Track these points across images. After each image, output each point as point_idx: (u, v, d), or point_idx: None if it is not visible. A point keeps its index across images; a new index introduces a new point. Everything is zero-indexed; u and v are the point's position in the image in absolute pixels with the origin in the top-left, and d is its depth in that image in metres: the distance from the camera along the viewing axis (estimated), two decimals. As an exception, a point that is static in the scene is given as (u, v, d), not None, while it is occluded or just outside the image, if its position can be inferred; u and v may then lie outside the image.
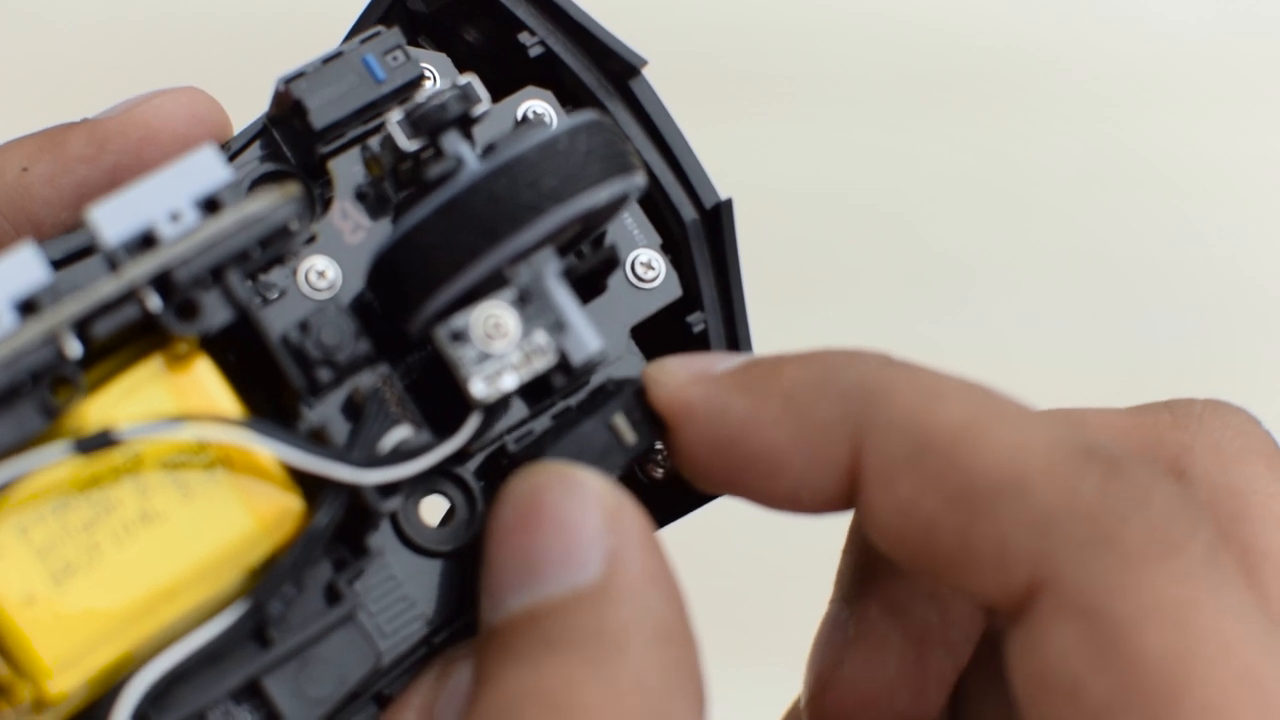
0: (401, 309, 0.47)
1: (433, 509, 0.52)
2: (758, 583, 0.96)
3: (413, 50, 0.51)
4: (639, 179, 0.48)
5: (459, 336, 0.46)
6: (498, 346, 0.46)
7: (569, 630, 0.45)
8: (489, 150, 0.48)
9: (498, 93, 0.53)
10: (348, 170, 0.51)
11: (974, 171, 1.02)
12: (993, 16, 1.05)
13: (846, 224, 0.86)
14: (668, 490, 0.54)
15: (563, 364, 0.48)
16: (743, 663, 0.92)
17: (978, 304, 1.01)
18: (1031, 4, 1.06)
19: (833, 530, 0.93)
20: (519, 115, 0.52)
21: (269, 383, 0.47)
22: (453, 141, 0.48)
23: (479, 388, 0.46)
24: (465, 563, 0.51)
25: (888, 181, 1.01)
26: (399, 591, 0.50)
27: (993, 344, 1.00)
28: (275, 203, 0.46)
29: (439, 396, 0.49)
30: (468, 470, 0.51)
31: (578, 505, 0.46)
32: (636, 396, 0.50)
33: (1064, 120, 1.04)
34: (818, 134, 0.99)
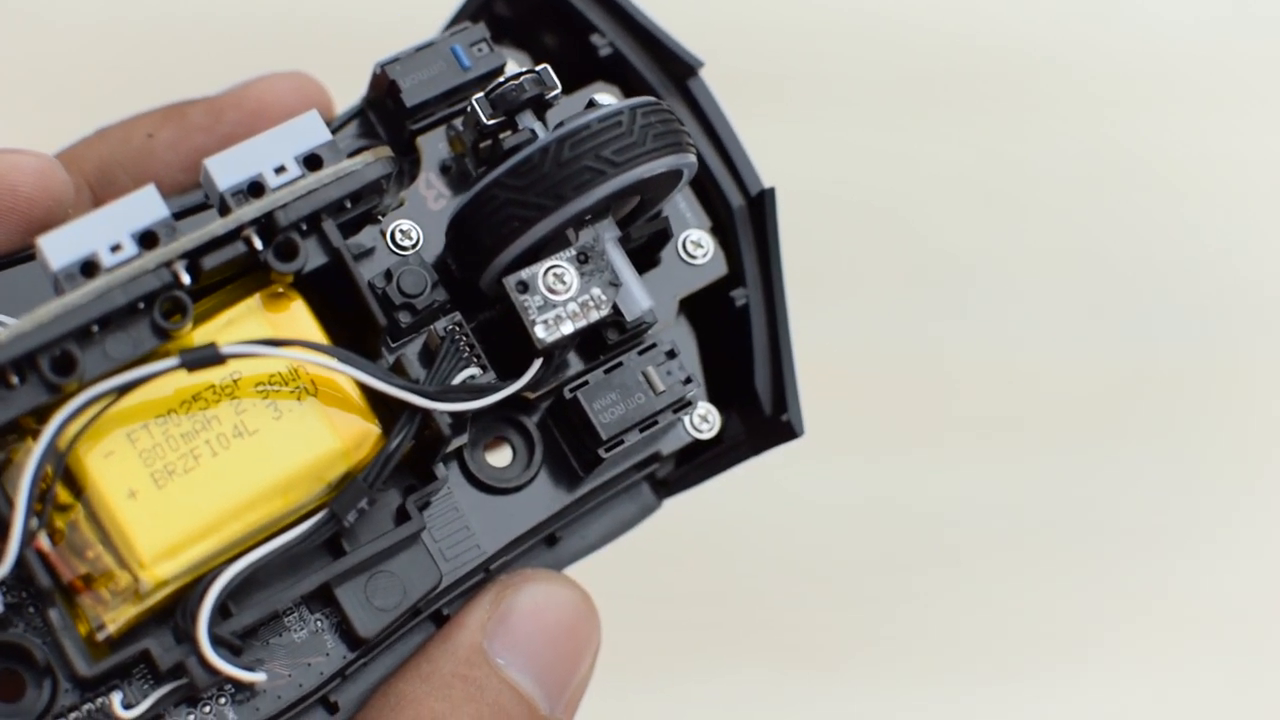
0: (475, 260, 0.53)
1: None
2: (757, 585, 0.98)
3: (496, 45, 0.57)
4: (691, 158, 0.53)
5: (525, 286, 0.52)
6: (559, 297, 0.52)
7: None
8: (559, 128, 0.53)
9: (570, 92, 0.59)
10: (434, 146, 0.57)
11: (974, 171, 1.03)
12: (993, 16, 1.06)
13: (846, 224, 0.88)
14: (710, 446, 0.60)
15: (616, 319, 0.54)
16: (743, 662, 0.96)
17: (978, 304, 1.02)
18: (1031, 4, 1.07)
19: (833, 531, 0.96)
20: (590, 102, 0.58)
21: (355, 326, 0.53)
22: (527, 119, 0.54)
23: (541, 331, 0.52)
24: (521, 502, 0.57)
25: (888, 181, 1.02)
26: (461, 522, 0.56)
27: (993, 344, 1.01)
28: (368, 161, 0.51)
29: (506, 349, 0.54)
30: (530, 420, 0.57)
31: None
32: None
33: (1064, 120, 1.04)
34: (818, 134, 1.01)
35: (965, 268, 1.02)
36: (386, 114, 0.57)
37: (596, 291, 0.53)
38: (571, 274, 0.52)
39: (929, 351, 1.01)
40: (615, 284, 0.53)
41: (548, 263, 0.52)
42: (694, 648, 0.95)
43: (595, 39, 0.60)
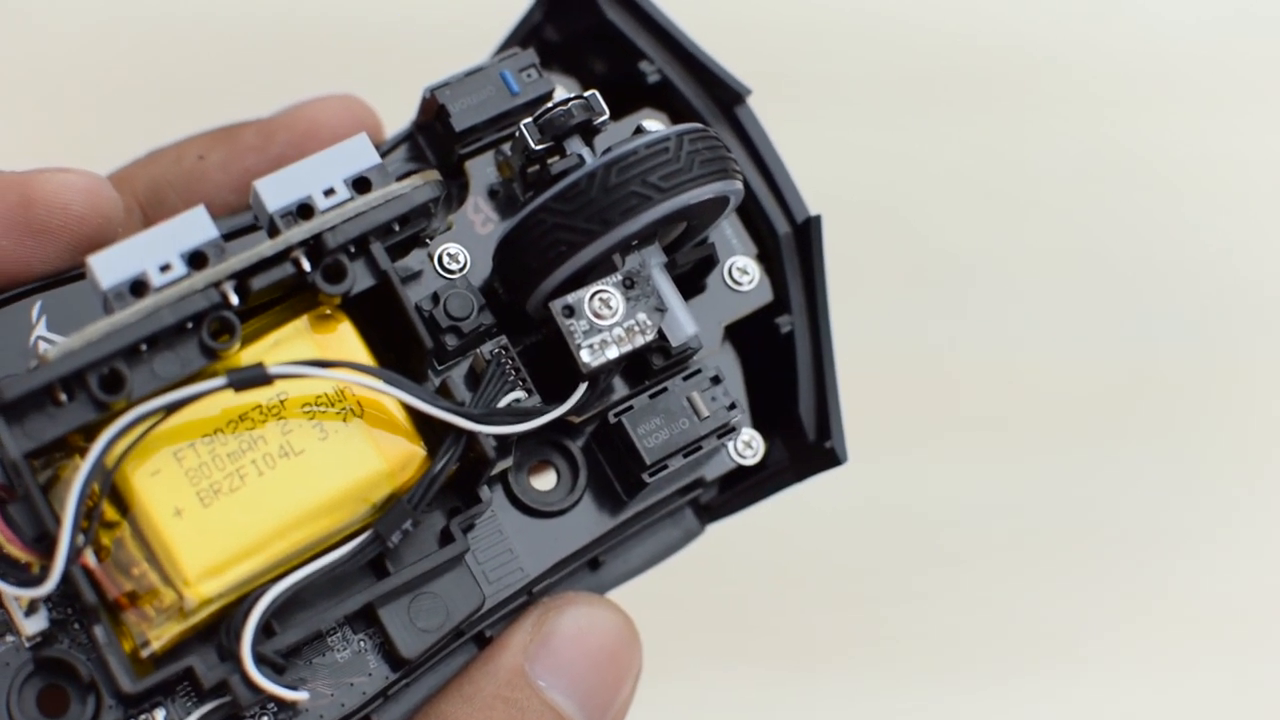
0: (521, 284, 0.53)
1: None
2: (757, 585, 0.98)
3: (545, 71, 0.57)
4: (737, 184, 0.54)
5: (571, 311, 0.52)
6: (604, 322, 0.52)
7: None
8: (607, 153, 0.53)
9: (618, 118, 0.59)
10: (482, 171, 0.58)
11: (974, 171, 1.03)
12: (993, 16, 1.05)
13: (846, 223, 0.87)
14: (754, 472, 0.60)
15: (661, 344, 0.54)
16: (742, 662, 0.96)
17: (978, 304, 1.02)
18: (1031, 4, 1.06)
19: (831, 535, 0.96)
20: (637, 128, 0.59)
21: (402, 348, 0.53)
22: (575, 144, 0.55)
23: (586, 356, 0.52)
24: (565, 525, 0.57)
25: (888, 181, 1.02)
26: (505, 544, 0.56)
27: (993, 344, 1.01)
28: (416, 184, 0.52)
29: (552, 373, 0.55)
30: (575, 444, 0.57)
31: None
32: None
33: (1064, 120, 1.04)
34: (818, 134, 1.01)
35: (965, 267, 1.02)
36: (435, 138, 0.58)
37: (642, 317, 0.53)
38: (617, 299, 0.52)
39: (929, 351, 1.01)
40: (661, 309, 0.53)
41: (594, 287, 0.52)
42: (693, 648, 0.95)
43: (644, 65, 0.60)
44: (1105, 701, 0.98)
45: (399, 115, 0.60)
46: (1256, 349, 1.03)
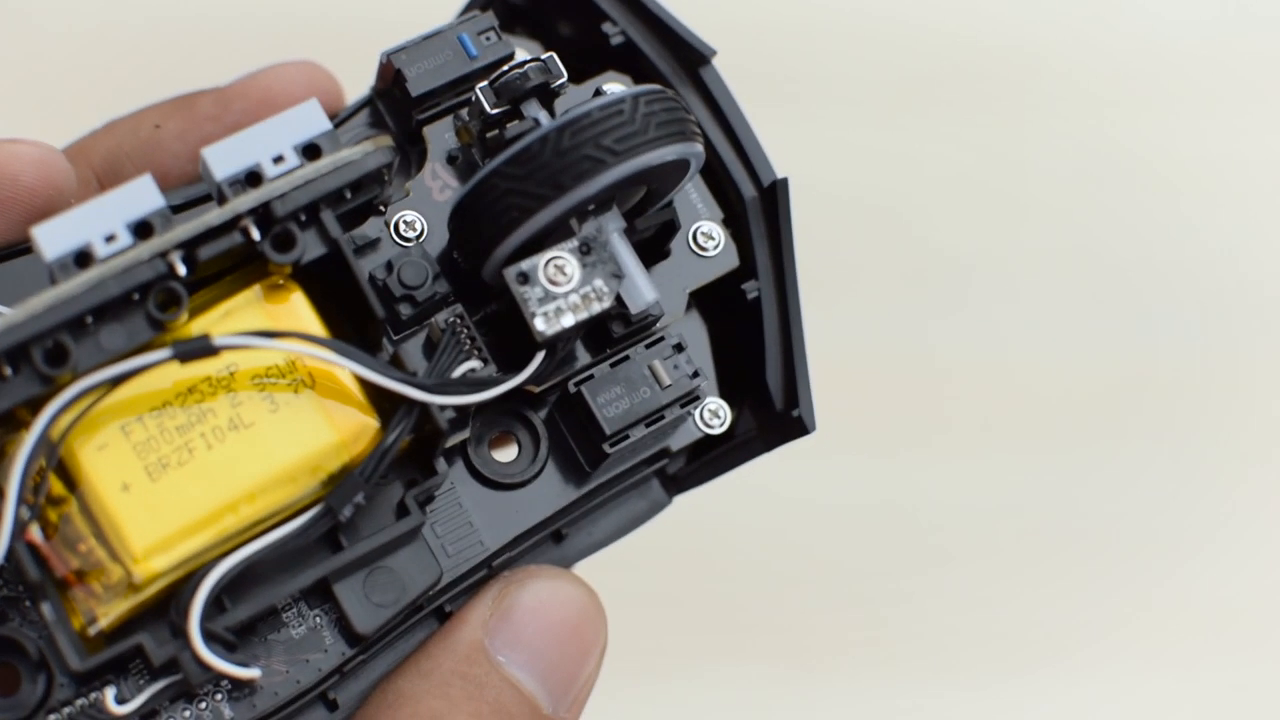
0: (476, 251, 0.52)
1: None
2: (756, 585, 0.97)
3: (506, 35, 0.56)
4: (697, 147, 0.52)
5: (526, 278, 0.51)
6: (559, 289, 0.51)
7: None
8: (562, 117, 0.52)
9: (582, 81, 0.58)
10: (440, 136, 0.56)
11: (974, 171, 1.02)
12: (992, 16, 1.05)
13: (846, 223, 0.87)
14: (721, 442, 0.59)
15: (621, 312, 0.53)
16: (741, 662, 0.95)
17: (977, 303, 1.01)
18: (1031, 4, 1.06)
19: (831, 536, 0.95)
20: (596, 91, 0.57)
21: (356, 318, 0.52)
22: (532, 108, 0.53)
23: (541, 324, 0.51)
24: (526, 497, 0.56)
25: (888, 181, 1.02)
26: (464, 518, 0.55)
27: (992, 344, 1.01)
28: (367, 151, 0.51)
29: (510, 342, 0.54)
30: (537, 415, 0.56)
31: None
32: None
33: (1064, 120, 1.04)
34: (818, 134, 1.01)
35: (964, 267, 1.02)
36: (394, 104, 0.57)
37: (599, 283, 0.51)
38: (573, 265, 0.51)
39: (929, 351, 1.00)
40: (618, 276, 0.52)
41: (548, 254, 0.51)
42: (691, 648, 0.95)
43: (607, 27, 0.59)
44: (1105, 702, 0.97)
45: (356, 85, 0.59)
46: (1256, 349, 1.03)
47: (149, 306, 0.49)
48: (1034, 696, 0.97)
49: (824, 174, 0.98)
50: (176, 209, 0.55)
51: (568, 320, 0.51)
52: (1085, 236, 1.03)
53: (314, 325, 0.51)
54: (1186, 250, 1.03)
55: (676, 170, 0.53)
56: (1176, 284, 1.03)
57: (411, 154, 0.57)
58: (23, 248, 0.54)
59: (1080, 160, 1.04)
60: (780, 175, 0.58)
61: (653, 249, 0.57)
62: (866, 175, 1.02)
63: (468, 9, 0.60)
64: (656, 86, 0.52)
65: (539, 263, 0.51)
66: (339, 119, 0.57)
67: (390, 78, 0.56)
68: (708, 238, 0.58)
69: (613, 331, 0.55)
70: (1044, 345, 1.02)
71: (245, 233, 0.50)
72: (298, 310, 0.52)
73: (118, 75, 0.96)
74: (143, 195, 0.49)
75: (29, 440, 0.47)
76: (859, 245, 1.00)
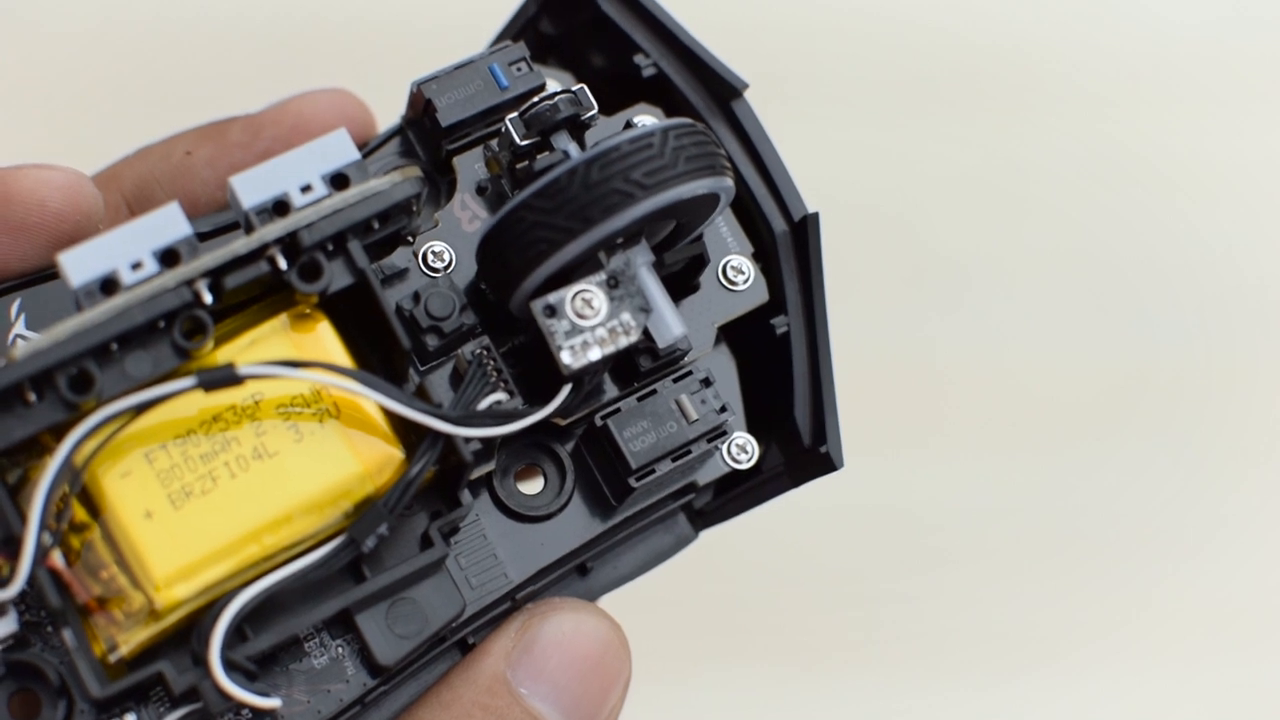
0: (504, 283, 0.52)
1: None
2: (755, 586, 0.98)
3: (537, 65, 0.56)
4: (726, 181, 0.52)
5: (553, 311, 0.51)
6: (586, 322, 0.51)
7: None
8: (591, 149, 0.52)
9: (614, 113, 0.58)
10: (470, 167, 0.56)
11: (974, 171, 1.02)
12: (993, 16, 1.05)
13: (846, 223, 0.86)
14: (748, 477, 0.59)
15: (648, 346, 0.53)
16: (738, 663, 0.95)
17: (977, 304, 1.01)
18: (1031, 4, 1.06)
19: (831, 536, 0.95)
20: (627, 123, 0.57)
21: (383, 351, 0.52)
22: (562, 140, 0.53)
23: (567, 357, 0.51)
24: (551, 530, 0.56)
25: (887, 181, 1.02)
26: (489, 550, 0.55)
27: (992, 344, 1.01)
28: (395, 181, 0.51)
29: (537, 376, 0.53)
30: (563, 448, 0.56)
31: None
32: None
33: (1064, 120, 1.04)
34: (818, 134, 1.01)
35: (963, 267, 1.02)
36: (424, 133, 0.57)
37: (626, 317, 0.51)
38: (600, 298, 0.51)
39: (929, 351, 1.00)
40: (646, 310, 0.51)
41: (576, 287, 0.51)
42: (690, 648, 0.95)
43: (639, 59, 0.59)
44: (1104, 702, 0.97)
45: (399, 110, 0.59)
46: (1256, 349, 1.03)
47: (174, 334, 0.49)
48: (1033, 697, 0.97)
49: (824, 174, 0.96)
50: (205, 236, 0.55)
51: (594, 354, 0.51)
52: (1085, 236, 1.03)
53: (340, 355, 0.51)
54: (1186, 250, 1.03)
55: (706, 204, 0.53)
56: (1176, 284, 1.03)
57: (441, 184, 0.57)
58: (50, 272, 0.54)
59: (1080, 160, 1.04)
60: (811, 210, 0.58)
61: (682, 282, 0.57)
62: (866, 175, 1.02)
63: (499, 38, 0.60)
64: (687, 120, 0.52)
65: (566, 296, 0.51)
66: (369, 147, 0.57)
67: (421, 107, 0.55)
68: (737, 271, 0.58)
69: (640, 365, 0.54)
70: (1044, 345, 1.02)
71: (272, 262, 0.50)
72: (324, 340, 0.51)
73: (118, 75, 0.96)
74: (170, 223, 0.49)
75: (52, 466, 0.47)
76: (859, 245, 0.99)
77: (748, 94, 0.59)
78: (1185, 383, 1.01)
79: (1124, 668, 0.97)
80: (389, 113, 0.59)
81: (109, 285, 0.48)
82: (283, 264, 0.50)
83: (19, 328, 0.54)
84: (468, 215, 0.56)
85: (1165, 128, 1.04)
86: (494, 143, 0.56)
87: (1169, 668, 0.98)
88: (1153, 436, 1.00)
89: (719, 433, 0.55)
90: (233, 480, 0.50)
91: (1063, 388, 1.00)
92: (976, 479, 0.99)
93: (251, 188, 0.50)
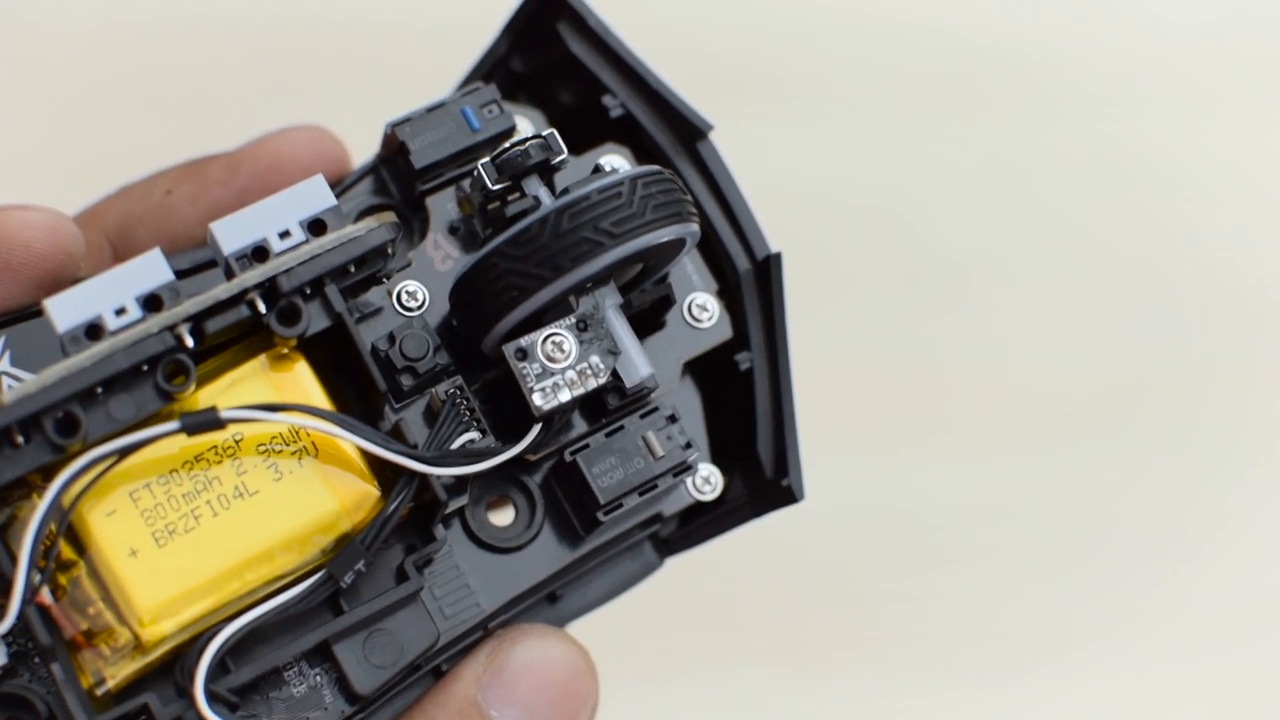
0: (476, 326, 0.53)
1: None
2: (754, 586, 0.98)
3: (508, 105, 0.57)
4: (692, 227, 0.54)
5: (524, 354, 0.53)
6: (557, 365, 0.53)
7: None
8: (564, 194, 0.54)
9: (586, 150, 0.59)
10: (442, 207, 0.58)
11: (974, 171, 1.03)
12: (993, 16, 1.05)
13: (845, 223, 0.87)
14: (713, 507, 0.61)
15: (616, 385, 0.54)
16: (739, 663, 0.96)
17: (977, 304, 1.02)
18: (1031, 4, 1.06)
19: (830, 536, 0.96)
20: (595, 167, 0.59)
21: (359, 387, 0.54)
22: (532, 184, 0.55)
23: (539, 399, 0.53)
24: (522, 560, 0.57)
25: (887, 181, 1.02)
26: (461, 580, 0.57)
27: (991, 344, 1.01)
28: (371, 227, 0.52)
29: (508, 411, 0.55)
30: (533, 480, 0.58)
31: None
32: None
33: (1064, 120, 1.04)
34: (818, 134, 1.01)
35: (964, 267, 1.02)
36: (398, 172, 0.58)
37: (595, 360, 0.53)
38: (570, 342, 0.53)
39: (929, 351, 1.01)
40: (614, 352, 0.53)
41: (547, 330, 0.53)
42: (689, 648, 0.96)
43: (607, 100, 0.60)
44: (1104, 702, 0.98)
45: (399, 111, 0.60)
46: (1256, 349, 1.03)
47: (157, 378, 0.50)
48: (1033, 697, 0.98)
49: (824, 174, 0.99)
50: (185, 273, 0.56)
51: (564, 396, 0.53)
52: (1085, 236, 1.04)
53: (318, 395, 0.53)
54: (1187, 250, 1.04)
55: (672, 248, 0.54)
56: (1177, 284, 1.03)
57: (414, 222, 0.58)
58: (34, 310, 0.56)
59: (1080, 160, 1.04)
60: (774, 249, 0.59)
61: (648, 320, 0.59)
62: (866, 175, 1.02)
63: (470, 78, 0.62)
64: (654, 168, 0.53)
65: (537, 339, 0.53)
66: (344, 184, 0.59)
67: (395, 148, 0.57)
68: (702, 309, 0.60)
69: (608, 403, 0.56)
70: (1044, 345, 1.02)
71: (252, 306, 0.51)
72: (302, 380, 0.53)
73: (118, 75, 0.95)
74: (151, 269, 0.51)
75: (41, 507, 0.49)
76: (859, 245, 1.00)
77: (714, 134, 0.60)
78: (1185, 383, 1.02)
79: (1124, 668, 0.98)
80: (388, 113, 0.60)
81: (94, 330, 0.50)
82: (262, 308, 0.51)
83: (4, 364, 0.55)
84: (440, 255, 0.57)
85: (1165, 128, 1.05)
86: (466, 184, 0.57)
87: (1169, 668, 0.99)
88: (1152, 436, 1.01)
89: (684, 468, 0.57)
90: (215, 518, 0.52)
91: (1063, 388, 1.01)
92: (976, 479, 1.00)
93: (231, 234, 0.52)
